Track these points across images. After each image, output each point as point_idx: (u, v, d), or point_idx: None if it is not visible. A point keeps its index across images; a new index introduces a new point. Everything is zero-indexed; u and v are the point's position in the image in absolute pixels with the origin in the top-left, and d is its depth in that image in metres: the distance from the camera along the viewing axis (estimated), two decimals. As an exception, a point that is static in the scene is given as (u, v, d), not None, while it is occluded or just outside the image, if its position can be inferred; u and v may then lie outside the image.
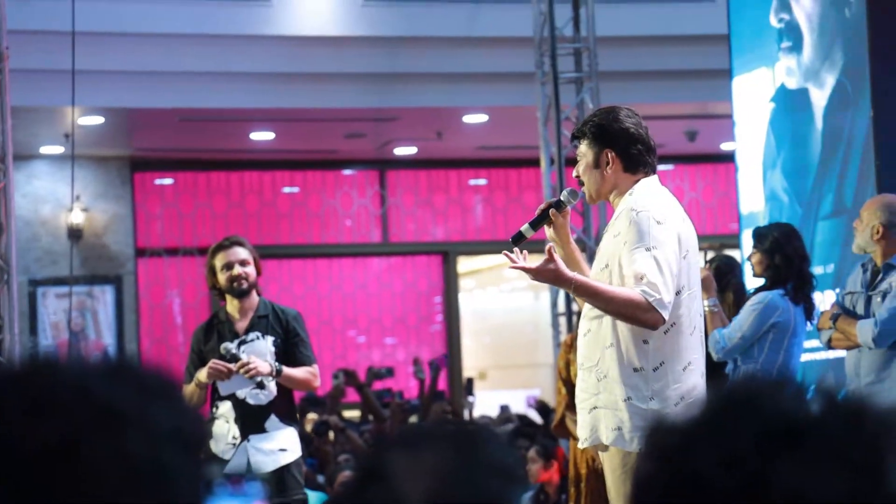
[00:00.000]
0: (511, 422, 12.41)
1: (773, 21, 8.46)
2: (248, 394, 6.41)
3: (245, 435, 6.40)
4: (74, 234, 13.77)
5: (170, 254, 14.57)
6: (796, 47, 8.31)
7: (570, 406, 7.19)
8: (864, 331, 6.27)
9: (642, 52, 12.27)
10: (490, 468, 1.47)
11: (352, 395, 12.41)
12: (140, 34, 11.64)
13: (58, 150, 13.32)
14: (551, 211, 4.88)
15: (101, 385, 1.27)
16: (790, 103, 8.38)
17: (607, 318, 4.67)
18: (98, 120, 12.56)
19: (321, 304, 14.59)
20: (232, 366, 6.34)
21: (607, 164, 4.76)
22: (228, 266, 6.48)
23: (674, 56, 12.32)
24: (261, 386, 6.40)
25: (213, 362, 6.35)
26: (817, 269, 7.93)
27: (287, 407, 6.52)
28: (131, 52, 11.66)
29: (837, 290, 6.77)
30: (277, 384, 6.43)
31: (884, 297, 6.34)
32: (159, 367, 1.32)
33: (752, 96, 8.76)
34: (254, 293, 6.54)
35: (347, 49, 12.13)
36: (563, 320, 10.94)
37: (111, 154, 13.98)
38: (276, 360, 6.44)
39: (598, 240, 10.81)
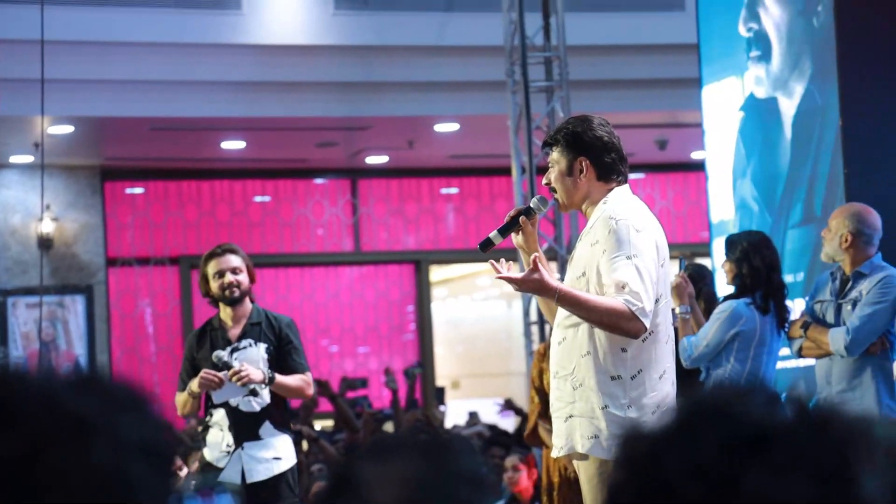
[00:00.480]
0: (477, 425, 12.41)
1: (742, 30, 8.50)
2: (240, 401, 6.38)
3: (239, 443, 6.36)
4: (45, 243, 13.71)
5: (141, 263, 14.52)
6: (765, 56, 8.35)
7: (543, 415, 7.19)
8: (837, 339, 6.30)
9: (612, 60, 12.31)
10: (460, 477, 1.47)
11: (324, 404, 12.38)
12: (110, 43, 11.60)
13: (27, 159, 13.27)
14: (521, 218, 4.88)
15: (68, 395, 1.27)
16: (759, 112, 8.42)
17: (584, 327, 4.68)
18: (68, 129, 12.52)
19: (293, 313, 14.51)
20: (223, 374, 6.31)
21: (581, 172, 4.77)
22: (220, 274, 6.50)
23: (644, 65, 12.36)
24: (254, 393, 6.38)
25: (204, 372, 6.33)
26: (787, 278, 7.96)
27: (281, 414, 6.48)
28: (101, 61, 11.62)
29: (807, 299, 6.80)
30: (271, 391, 6.40)
31: (854, 305, 6.36)
32: (128, 379, 1.32)
33: (721, 105, 8.79)
34: (247, 300, 6.55)
35: (318, 58, 12.13)
36: (535, 329, 10.95)
37: (81, 163, 13.93)
38: (269, 367, 6.42)
39: (570, 248, 10.87)
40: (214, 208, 14.74)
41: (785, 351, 7.26)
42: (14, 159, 13.38)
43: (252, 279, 6.59)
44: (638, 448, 1.25)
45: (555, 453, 4.86)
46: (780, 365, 7.91)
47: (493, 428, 12.99)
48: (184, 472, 7.09)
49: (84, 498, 1.24)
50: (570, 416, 4.72)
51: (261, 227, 14.79)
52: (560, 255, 10.87)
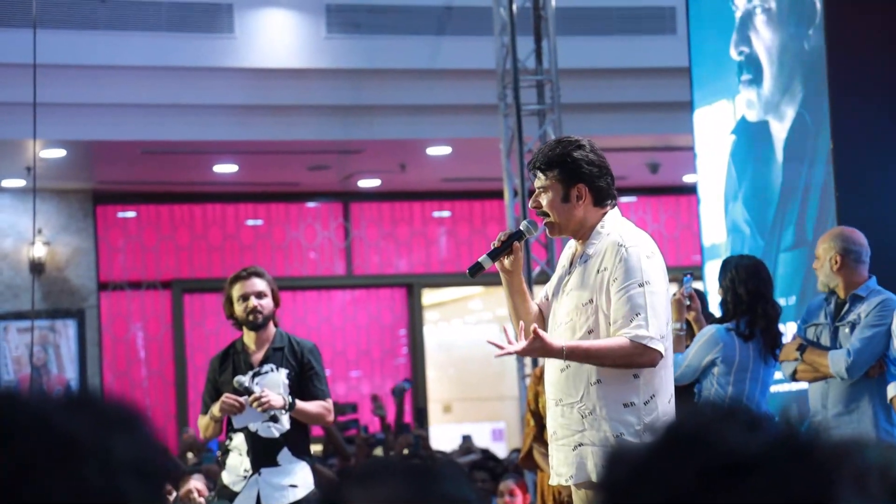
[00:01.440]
0: (472, 453, 12.38)
1: (734, 54, 8.52)
2: (260, 427, 6.32)
3: (257, 468, 6.31)
4: (36, 267, 13.68)
5: (133, 287, 14.50)
6: (756, 80, 8.36)
7: (539, 438, 7.17)
8: (837, 361, 6.29)
9: (604, 84, 12.33)
10: (447, 500, 1.46)
11: (315, 429, 12.35)
12: (102, 66, 11.61)
13: (19, 183, 13.25)
14: (515, 244, 4.85)
15: (59, 416, 1.27)
16: (751, 135, 8.43)
17: None
18: (60, 153, 12.51)
19: (285, 336, 14.54)
20: (244, 399, 6.25)
21: (579, 198, 4.73)
22: (245, 297, 6.43)
23: (636, 88, 12.39)
24: (274, 419, 6.32)
25: (226, 396, 6.28)
26: (780, 302, 7.96)
27: (301, 441, 6.42)
28: (93, 85, 11.63)
29: (798, 323, 6.79)
30: (291, 417, 6.34)
31: (852, 328, 6.36)
32: (122, 399, 1.31)
33: (713, 128, 8.80)
34: (270, 325, 6.50)
35: (311, 81, 12.14)
36: (527, 352, 10.92)
37: (73, 187, 13.92)
38: (290, 392, 6.36)
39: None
40: (207, 232, 14.73)
41: (777, 375, 7.25)
42: (6, 183, 13.37)
43: (277, 303, 6.54)
44: (618, 472, 1.24)
45: (555, 481, 4.78)
46: (772, 389, 7.90)
47: (485, 452, 12.96)
48: (172, 497, 7.03)
49: None
50: (581, 445, 4.66)
51: (253, 250, 14.77)
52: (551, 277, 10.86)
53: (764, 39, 8.31)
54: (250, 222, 14.90)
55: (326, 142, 12.68)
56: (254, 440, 6.32)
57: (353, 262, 15.08)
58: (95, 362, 14.06)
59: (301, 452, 6.37)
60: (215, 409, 6.30)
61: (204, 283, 14.59)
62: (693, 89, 8.99)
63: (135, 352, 14.56)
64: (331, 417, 6.53)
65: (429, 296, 16.27)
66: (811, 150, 7.89)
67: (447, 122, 12.55)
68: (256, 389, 6.30)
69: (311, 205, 15.05)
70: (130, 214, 14.59)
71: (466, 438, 13.72)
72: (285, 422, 6.32)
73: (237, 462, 6.35)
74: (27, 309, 12.75)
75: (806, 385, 6.70)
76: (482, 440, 15.19)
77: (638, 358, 4.55)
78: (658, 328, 4.56)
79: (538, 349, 4.61)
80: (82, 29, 11.57)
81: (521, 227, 4.92)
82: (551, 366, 4.79)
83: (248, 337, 6.48)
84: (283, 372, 6.39)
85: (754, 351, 6.52)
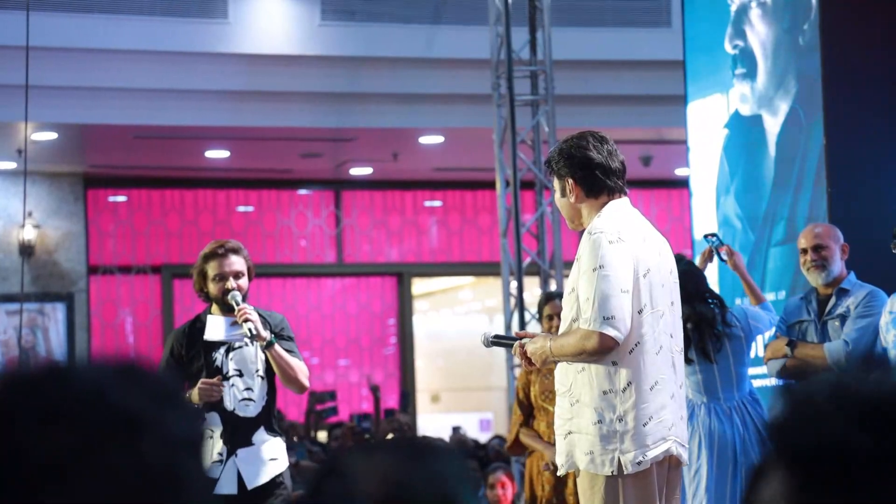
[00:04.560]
0: (465, 445, 12.39)
1: (728, 47, 8.51)
2: (237, 406, 6.03)
3: (233, 450, 6.01)
4: (26, 250, 13.66)
5: (122, 272, 14.47)
6: (750, 74, 8.35)
7: (525, 423, 7.21)
8: (836, 351, 6.33)
9: (598, 76, 12.33)
10: (443, 471, 1.47)
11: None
12: (95, 50, 11.57)
13: (10, 165, 13.22)
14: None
15: (116, 390, 1.25)
16: (744, 129, 8.43)
17: None
18: (51, 136, 12.48)
19: (274, 323, 14.52)
20: (221, 383, 5.96)
21: (570, 191, 4.82)
22: (222, 277, 6.11)
23: (629, 81, 12.38)
24: (248, 397, 6.00)
25: (203, 382, 5.95)
26: (769, 296, 7.96)
27: (273, 419, 6.17)
28: (86, 68, 11.59)
29: (777, 322, 6.81)
30: (267, 394, 6.07)
31: (842, 320, 6.40)
32: (162, 372, 1.31)
33: (706, 122, 8.80)
34: None
35: (304, 68, 12.11)
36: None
37: (64, 170, 13.89)
38: (266, 368, 6.08)
39: (552, 263, 10.86)
40: (197, 217, 14.70)
41: (760, 370, 7.26)
42: (-4, 165, 13.34)
43: (251, 279, 6.20)
44: (785, 414, 1.23)
45: (560, 472, 4.88)
46: (757, 384, 7.93)
47: (475, 443, 12.98)
48: None
49: (135, 496, 1.22)
50: (570, 433, 4.74)
51: (243, 237, 14.74)
52: (543, 269, 10.87)
53: (759, 33, 8.30)
54: (241, 208, 14.88)
55: (319, 129, 12.66)
56: (231, 420, 6.02)
57: (344, 250, 15.06)
58: (84, 346, 14.04)
59: (273, 431, 6.13)
60: (194, 395, 5.95)
61: (194, 268, 14.56)
62: (687, 82, 8.98)
63: (123, 336, 14.54)
64: (307, 382, 6.14)
65: (419, 285, 16.26)
66: (804, 146, 7.89)
67: (440, 112, 12.53)
68: (245, 307, 5.98)
69: (302, 192, 15.03)
70: (121, 199, 14.57)
71: (456, 430, 13.73)
72: (259, 400, 6.05)
73: (209, 444, 6.01)
74: (16, 292, 12.72)
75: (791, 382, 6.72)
76: (470, 430, 15.21)
77: (587, 343, 4.59)
78: (607, 311, 4.55)
79: (537, 360, 4.79)
80: (76, 12, 11.54)
81: (483, 342, 5.13)
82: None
83: (218, 313, 6.17)
84: (258, 346, 6.09)
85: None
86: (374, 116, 12.51)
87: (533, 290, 11.78)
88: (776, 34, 8.18)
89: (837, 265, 6.52)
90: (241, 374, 6.09)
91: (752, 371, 8.01)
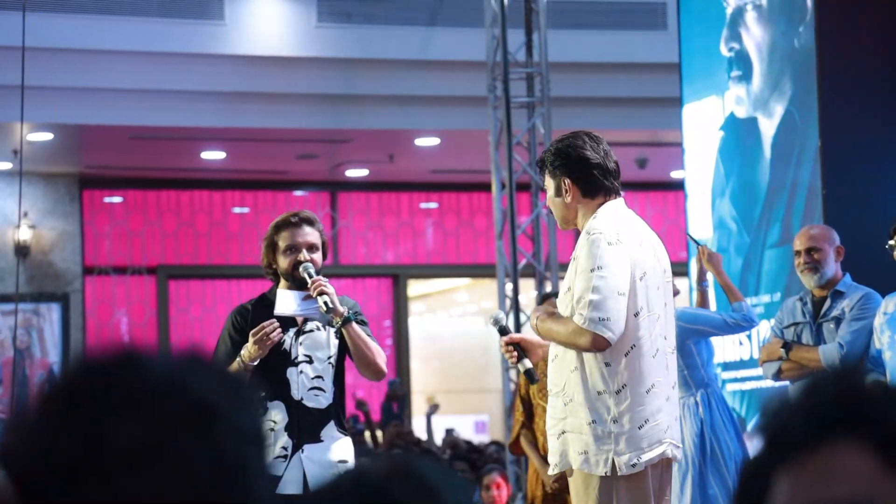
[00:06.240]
0: (459, 448, 12.38)
1: (724, 50, 8.52)
2: (305, 395, 5.38)
3: (299, 445, 5.35)
4: (21, 250, 13.65)
5: (118, 272, 14.47)
6: (746, 76, 8.36)
7: (527, 425, 7.21)
8: (830, 354, 6.34)
9: (594, 78, 12.33)
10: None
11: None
12: (91, 51, 11.57)
13: (6, 166, 13.22)
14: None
15: (193, 380, 1.26)
16: (739, 132, 8.43)
17: None
18: (47, 136, 12.48)
19: (270, 325, 14.51)
20: (277, 329, 5.29)
21: (566, 191, 4.80)
22: (294, 248, 5.48)
23: (625, 83, 12.39)
24: (319, 387, 5.38)
25: (254, 331, 5.27)
26: (764, 298, 7.98)
27: (343, 414, 5.54)
28: (82, 69, 11.59)
29: (773, 325, 6.81)
30: (334, 387, 5.46)
31: (837, 322, 6.41)
32: (227, 365, 1.32)
33: (701, 124, 8.81)
34: None
35: (300, 70, 12.12)
36: (511, 345, 10.92)
37: (60, 171, 13.89)
38: (339, 354, 5.47)
39: (548, 265, 10.86)
40: (193, 218, 14.70)
41: (755, 371, 7.27)
42: (-8, 166, 13.33)
43: (325, 256, 5.59)
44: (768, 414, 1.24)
45: (551, 471, 4.89)
46: (752, 386, 7.93)
47: (468, 444, 12.97)
48: None
49: (206, 486, 1.22)
50: (563, 432, 4.74)
51: (239, 238, 14.75)
52: (538, 270, 10.87)
53: (754, 36, 8.31)
54: (237, 210, 14.87)
55: (315, 130, 12.66)
56: (298, 411, 5.35)
57: (340, 251, 15.06)
58: (79, 347, 14.03)
59: (343, 428, 5.49)
60: (248, 348, 5.25)
61: (189, 269, 14.57)
62: (682, 84, 8.99)
63: (119, 337, 14.53)
64: (385, 367, 5.51)
65: (414, 287, 16.26)
66: (799, 148, 7.90)
67: (436, 113, 12.54)
68: (322, 281, 5.35)
69: (298, 193, 15.03)
70: (117, 199, 14.56)
71: (450, 432, 13.72)
72: (329, 390, 5.42)
73: (271, 437, 5.32)
74: (11, 292, 12.72)
75: (786, 384, 6.72)
76: (465, 433, 15.20)
77: (578, 339, 4.60)
78: (602, 312, 4.56)
79: (533, 325, 4.86)
80: (72, 12, 11.54)
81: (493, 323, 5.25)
82: (549, 357, 4.89)
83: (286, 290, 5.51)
84: (331, 330, 5.46)
85: None
86: (371, 118, 12.51)
87: (528, 292, 11.79)
88: (772, 37, 8.19)
89: (831, 267, 6.52)
90: (310, 361, 5.45)
91: (746, 373, 8.02)
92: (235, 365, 5.28)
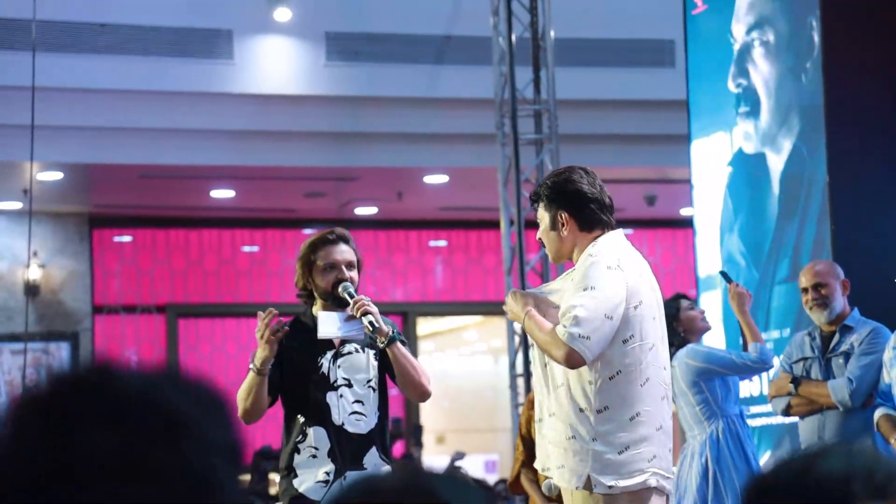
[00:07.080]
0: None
1: (731, 86, 8.53)
2: (346, 420, 5.18)
3: (342, 471, 5.14)
4: (31, 290, 13.66)
5: (127, 311, 14.47)
6: (754, 112, 8.37)
7: (528, 464, 7.19)
8: (839, 389, 6.33)
9: (602, 115, 12.35)
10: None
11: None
12: (100, 90, 11.62)
13: (16, 205, 13.25)
14: None
15: (164, 392, 1.27)
16: (747, 168, 8.43)
17: None
18: (57, 175, 12.51)
19: (279, 363, 14.50)
20: (279, 320, 5.16)
21: (563, 225, 4.82)
22: (333, 266, 5.35)
23: (633, 120, 12.40)
24: (359, 411, 5.21)
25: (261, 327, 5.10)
26: (773, 334, 7.95)
27: (386, 441, 5.31)
28: (91, 108, 11.63)
29: (782, 360, 6.80)
30: (378, 409, 5.26)
31: (846, 357, 6.40)
32: (206, 379, 1.32)
33: (710, 160, 8.81)
34: None
35: (309, 108, 12.15)
36: (521, 381, 10.91)
37: (69, 210, 13.92)
38: (379, 377, 5.28)
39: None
40: (202, 257, 14.72)
41: (765, 408, 7.24)
42: (2, 205, 13.36)
43: (360, 274, 5.41)
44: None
45: (544, 489, 4.93)
46: (762, 422, 7.89)
47: (478, 482, 12.89)
48: None
49: (177, 497, 1.23)
50: (548, 444, 4.78)
51: (248, 276, 14.76)
52: (547, 308, 10.85)
53: (762, 72, 8.32)
54: (246, 248, 14.89)
55: (324, 168, 12.68)
56: (340, 436, 5.16)
57: (349, 289, 15.05)
58: (88, 386, 14.03)
59: (388, 455, 5.31)
60: (260, 350, 5.07)
61: (198, 308, 14.57)
62: (690, 120, 9.00)
63: (128, 376, 14.52)
64: (430, 387, 5.30)
65: (424, 325, 16.24)
66: (807, 183, 7.90)
67: (444, 151, 12.56)
68: (362, 298, 5.18)
69: (307, 231, 15.03)
70: (126, 238, 14.58)
71: (456, 468, 13.67)
72: (372, 415, 5.22)
73: (314, 464, 5.17)
74: (21, 331, 12.72)
75: (796, 419, 6.70)
76: (475, 471, 15.14)
77: (552, 349, 4.60)
78: (584, 329, 4.54)
79: (510, 305, 4.85)
80: (82, 53, 11.58)
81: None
82: (536, 365, 4.88)
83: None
84: (370, 353, 5.28)
85: None
86: (379, 156, 12.54)
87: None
88: (779, 73, 8.20)
89: (839, 302, 6.52)
90: (349, 385, 5.25)
91: (757, 409, 7.99)
92: (250, 375, 5.16)
